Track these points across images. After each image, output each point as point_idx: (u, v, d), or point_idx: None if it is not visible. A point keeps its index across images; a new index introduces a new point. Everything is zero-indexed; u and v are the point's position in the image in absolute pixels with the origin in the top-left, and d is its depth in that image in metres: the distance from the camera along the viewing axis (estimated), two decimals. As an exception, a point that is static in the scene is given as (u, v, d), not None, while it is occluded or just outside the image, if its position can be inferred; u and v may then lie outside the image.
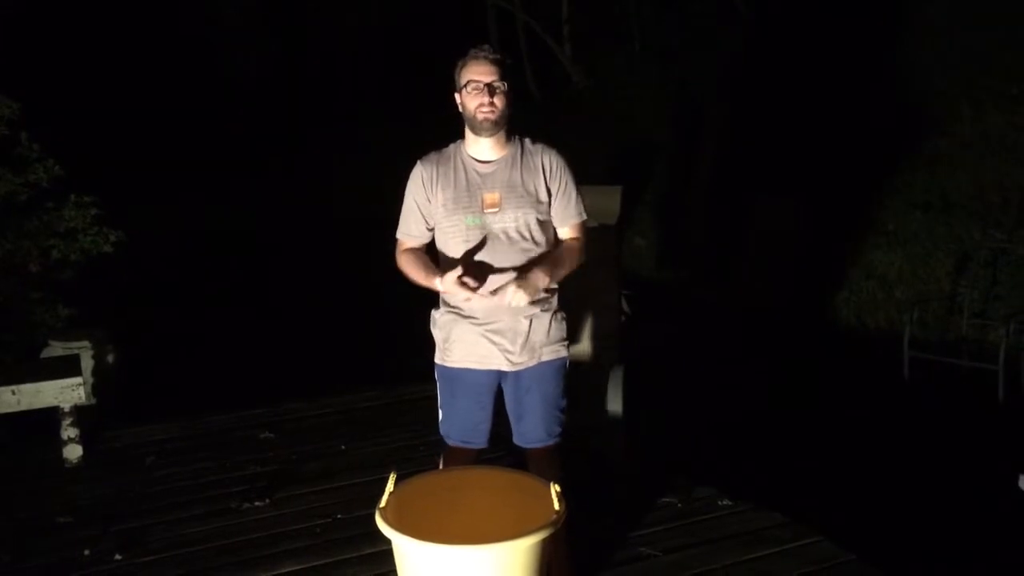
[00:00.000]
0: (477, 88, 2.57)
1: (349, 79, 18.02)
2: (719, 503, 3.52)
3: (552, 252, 2.69)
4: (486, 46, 2.65)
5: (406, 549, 2.24)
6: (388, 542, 2.29)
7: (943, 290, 7.17)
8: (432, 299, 2.82)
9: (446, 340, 2.74)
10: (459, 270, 2.54)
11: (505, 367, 2.70)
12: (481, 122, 2.58)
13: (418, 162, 2.72)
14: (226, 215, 13.68)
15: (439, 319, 2.77)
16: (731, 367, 6.71)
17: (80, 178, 6.06)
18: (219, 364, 6.75)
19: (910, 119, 8.58)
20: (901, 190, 8.25)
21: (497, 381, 2.75)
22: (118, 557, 3.23)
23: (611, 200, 4.48)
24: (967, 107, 8.29)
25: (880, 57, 9.44)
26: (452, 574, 2.19)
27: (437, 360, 2.79)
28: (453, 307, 2.72)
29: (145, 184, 14.09)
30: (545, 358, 2.72)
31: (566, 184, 2.69)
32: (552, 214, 2.69)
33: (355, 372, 5.94)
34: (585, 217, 2.75)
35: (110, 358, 5.26)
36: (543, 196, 2.66)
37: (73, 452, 4.19)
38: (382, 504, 2.36)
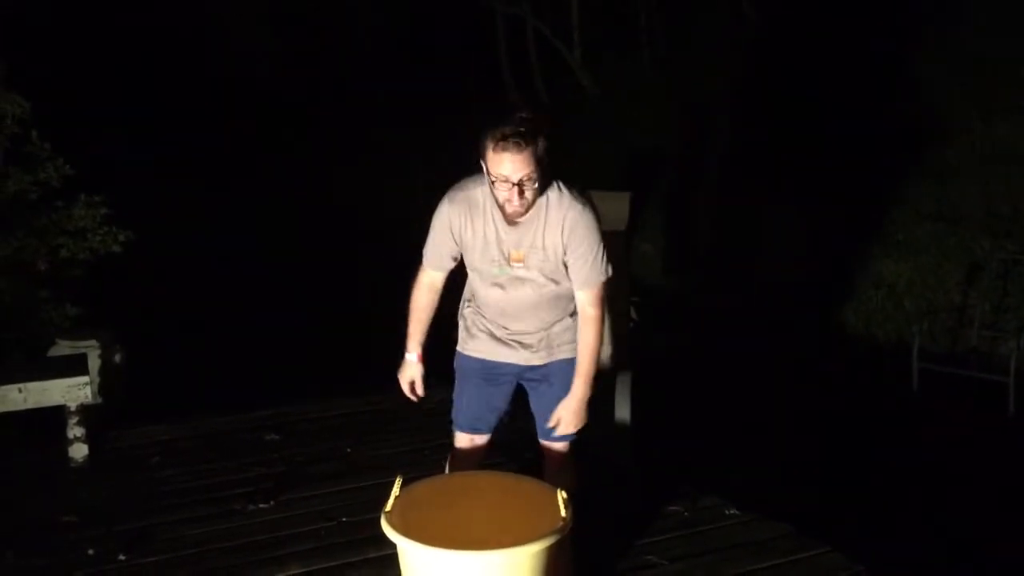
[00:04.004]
0: (505, 185, 2.46)
1: (359, 82, 18.05)
2: (725, 512, 3.50)
3: (579, 354, 2.67)
4: (508, 129, 2.41)
5: (411, 553, 2.23)
6: (393, 546, 2.28)
7: (953, 301, 7.14)
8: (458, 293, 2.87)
9: (467, 330, 2.82)
10: (419, 377, 2.80)
11: (523, 362, 2.77)
12: (510, 214, 2.53)
13: (447, 201, 2.63)
14: (233, 214, 13.70)
15: (465, 311, 2.85)
16: (738, 375, 6.68)
17: (89, 177, 6.08)
18: (226, 365, 6.75)
19: (919, 128, 8.55)
20: (910, 200, 8.22)
21: (515, 374, 2.81)
22: (122, 557, 3.22)
23: (620, 206, 4.47)
24: (977, 116, 8.26)
25: (889, 66, 9.41)
26: (457, 580, 2.18)
27: (458, 348, 2.87)
28: (477, 306, 2.79)
29: (153, 184, 14.12)
30: (565, 356, 2.75)
31: (583, 245, 2.57)
32: (569, 272, 2.63)
33: (362, 374, 5.93)
34: (605, 278, 2.63)
35: (117, 358, 5.27)
36: (560, 251, 2.60)
37: (79, 451, 4.18)
38: (388, 508, 2.35)
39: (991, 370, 5.97)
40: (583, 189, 2.64)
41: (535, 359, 2.75)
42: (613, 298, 4.06)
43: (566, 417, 2.67)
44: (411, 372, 2.82)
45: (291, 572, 3.11)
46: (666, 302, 8.47)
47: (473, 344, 2.82)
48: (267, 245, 12.39)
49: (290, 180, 15.89)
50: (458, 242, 2.64)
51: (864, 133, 8.92)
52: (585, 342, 2.66)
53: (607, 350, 3.92)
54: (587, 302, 2.64)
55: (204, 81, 18.32)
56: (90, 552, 3.26)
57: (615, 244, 4.33)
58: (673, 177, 10.90)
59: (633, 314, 4.74)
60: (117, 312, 5.91)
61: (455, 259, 2.70)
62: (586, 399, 2.66)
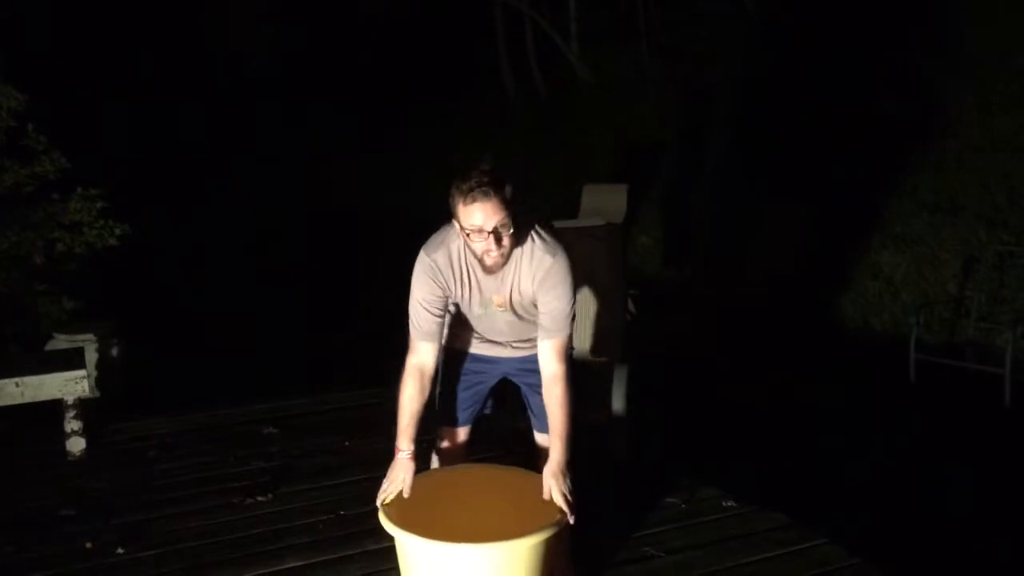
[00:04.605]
0: (481, 235, 2.41)
1: (358, 72, 18.02)
2: (722, 504, 3.52)
3: (554, 414, 2.56)
4: (473, 182, 2.37)
5: (409, 546, 2.23)
6: (391, 539, 2.29)
7: (949, 292, 7.14)
8: None
9: (450, 327, 2.82)
10: (410, 478, 2.51)
11: (510, 355, 2.80)
12: (491, 266, 2.49)
13: (425, 256, 2.58)
14: (233, 208, 13.68)
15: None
16: (735, 367, 6.69)
17: (87, 171, 6.06)
18: (223, 359, 6.75)
19: (917, 120, 8.54)
20: (908, 191, 8.22)
21: (503, 371, 2.84)
22: (120, 550, 3.23)
23: (617, 199, 4.48)
24: (975, 108, 8.26)
25: (888, 57, 9.40)
26: (454, 572, 2.19)
27: (444, 343, 2.83)
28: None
29: (151, 177, 14.10)
30: None
31: (552, 294, 2.54)
32: (538, 319, 2.61)
33: (360, 368, 5.93)
34: (566, 334, 2.60)
35: (114, 351, 5.27)
36: (533, 298, 2.60)
37: (76, 445, 4.19)
38: (385, 501, 2.36)
39: (987, 362, 5.97)
40: (557, 233, 2.60)
41: (524, 350, 2.77)
42: (609, 289, 4.08)
43: (555, 485, 2.44)
44: (403, 472, 2.54)
45: (289, 565, 3.11)
46: (664, 294, 8.47)
47: (457, 340, 2.83)
48: (266, 241, 12.39)
49: (289, 177, 15.87)
50: (444, 292, 2.58)
51: (862, 125, 8.91)
52: (559, 401, 2.54)
53: (597, 343, 3.94)
54: (553, 356, 2.57)
55: (204, 77, 18.29)
56: (88, 545, 3.26)
57: (613, 236, 4.35)
58: (671, 169, 10.89)
59: (631, 307, 4.74)
60: (114, 306, 5.91)
61: (443, 316, 2.63)
62: (566, 462, 2.51)
